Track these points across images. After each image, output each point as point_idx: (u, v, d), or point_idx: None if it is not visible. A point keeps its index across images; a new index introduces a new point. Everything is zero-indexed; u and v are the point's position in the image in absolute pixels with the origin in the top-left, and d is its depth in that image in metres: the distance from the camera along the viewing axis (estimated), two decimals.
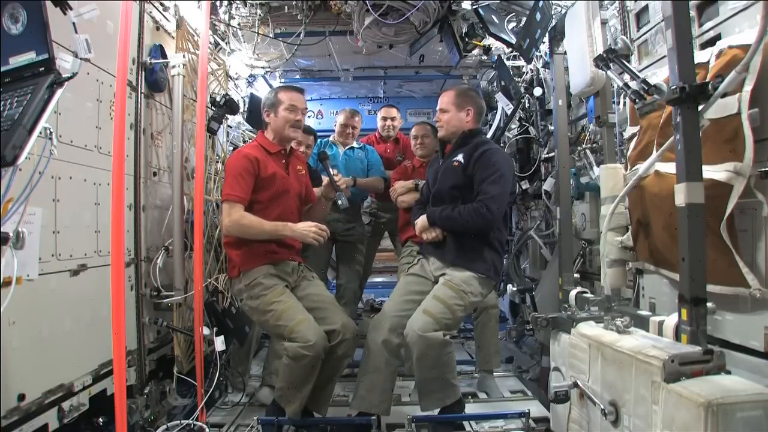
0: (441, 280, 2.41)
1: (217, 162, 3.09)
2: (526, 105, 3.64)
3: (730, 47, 1.59)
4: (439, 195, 2.53)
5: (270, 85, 4.24)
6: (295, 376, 2.30)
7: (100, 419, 2.03)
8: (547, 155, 3.44)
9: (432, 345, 2.24)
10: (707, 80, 1.50)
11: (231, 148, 3.64)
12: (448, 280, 2.37)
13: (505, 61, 3.58)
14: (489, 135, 3.86)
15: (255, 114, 3.69)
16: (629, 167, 2.16)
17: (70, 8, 1.43)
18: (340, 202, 2.53)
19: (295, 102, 2.48)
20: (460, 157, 2.47)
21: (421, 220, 2.54)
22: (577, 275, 2.61)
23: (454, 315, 2.31)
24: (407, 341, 2.29)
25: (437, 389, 2.36)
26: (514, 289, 3.69)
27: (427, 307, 2.31)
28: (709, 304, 1.47)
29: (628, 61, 1.96)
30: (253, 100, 3.72)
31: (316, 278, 2.64)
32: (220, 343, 2.42)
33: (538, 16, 2.75)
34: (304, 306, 2.39)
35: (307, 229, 2.37)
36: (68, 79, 1.32)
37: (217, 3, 3.20)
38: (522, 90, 3.50)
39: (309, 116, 5.50)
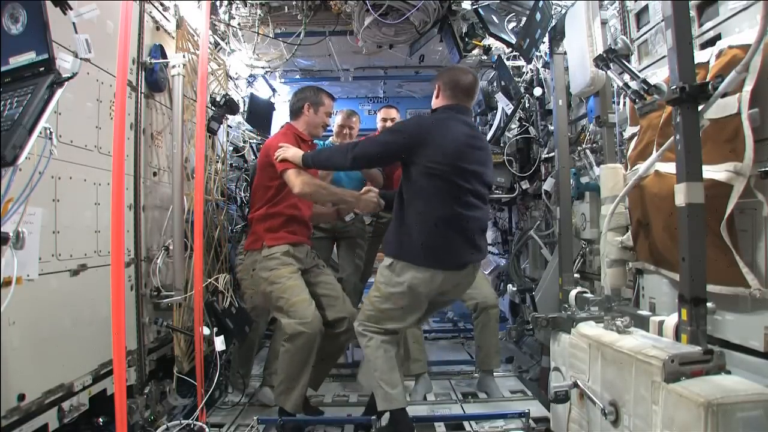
0: None
1: (217, 162, 3.09)
2: (526, 105, 3.64)
3: (730, 47, 1.59)
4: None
5: (270, 85, 4.24)
6: (294, 362, 2.41)
7: (100, 419, 2.04)
8: (547, 155, 3.44)
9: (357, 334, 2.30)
10: (707, 80, 1.51)
11: (231, 148, 3.63)
12: None
13: (505, 61, 3.58)
14: (489, 135, 3.85)
15: (255, 114, 3.68)
16: (629, 167, 2.16)
17: (70, 8, 1.43)
18: (347, 218, 2.85)
19: (331, 109, 2.81)
20: None
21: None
22: (577, 275, 2.62)
23: (373, 305, 2.25)
24: None
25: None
26: (514, 289, 3.69)
27: None
28: (709, 304, 1.48)
29: (628, 61, 1.95)
30: (253, 100, 3.71)
31: (326, 268, 2.85)
32: (220, 343, 2.43)
33: (538, 16, 2.74)
34: (317, 292, 2.61)
35: (368, 197, 2.53)
36: (68, 79, 1.32)
37: (217, 3, 3.20)
38: (522, 90, 3.49)
39: None
